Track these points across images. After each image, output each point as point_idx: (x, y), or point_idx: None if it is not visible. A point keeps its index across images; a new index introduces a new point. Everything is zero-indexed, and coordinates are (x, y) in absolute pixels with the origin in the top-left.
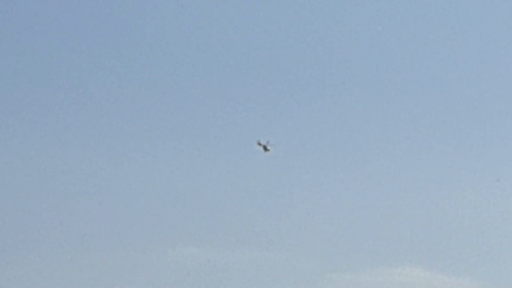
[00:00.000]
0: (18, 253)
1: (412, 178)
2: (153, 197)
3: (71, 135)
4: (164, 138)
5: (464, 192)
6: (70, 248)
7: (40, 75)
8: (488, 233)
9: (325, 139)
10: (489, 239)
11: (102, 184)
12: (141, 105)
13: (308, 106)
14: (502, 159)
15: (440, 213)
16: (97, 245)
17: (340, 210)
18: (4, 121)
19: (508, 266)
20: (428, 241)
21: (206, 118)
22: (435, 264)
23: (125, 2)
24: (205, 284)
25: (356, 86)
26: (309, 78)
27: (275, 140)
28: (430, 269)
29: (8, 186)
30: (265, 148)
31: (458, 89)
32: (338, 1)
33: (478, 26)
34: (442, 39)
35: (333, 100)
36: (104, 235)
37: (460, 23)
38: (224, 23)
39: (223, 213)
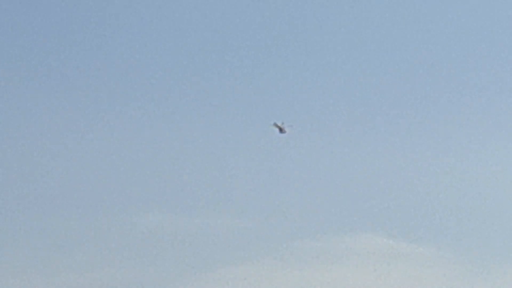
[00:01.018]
0: None
1: (374, 146)
2: (120, 163)
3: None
4: (131, 103)
5: (425, 160)
6: (36, 214)
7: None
8: (449, 202)
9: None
10: (450, 208)
11: (70, 149)
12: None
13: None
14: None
15: (402, 181)
16: (64, 211)
17: (304, 179)
18: None
19: (468, 235)
20: (391, 209)
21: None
22: (397, 232)
23: None
24: (172, 250)
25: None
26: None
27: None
28: (392, 237)
29: None
30: (281, 130)
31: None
32: None
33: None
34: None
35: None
36: (71, 202)
37: None
38: None
39: (190, 180)
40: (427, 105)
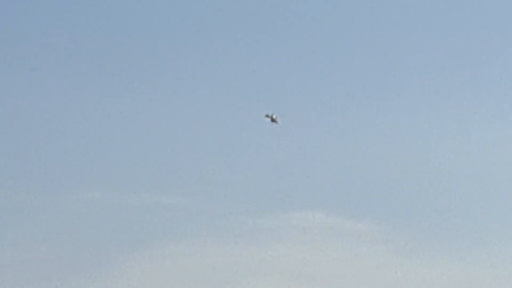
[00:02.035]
0: None
1: (313, 124)
2: (60, 139)
3: None
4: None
5: (364, 135)
6: None
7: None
8: (388, 177)
9: None
10: (390, 184)
11: (5, 125)
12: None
13: None
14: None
15: (340, 156)
16: (1, 188)
17: (245, 156)
18: None
19: (408, 211)
20: (330, 186)
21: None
22: (335, 209)
23: None
24: (112, 227)
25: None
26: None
27: None
28: (330, 213)
29: None
30: (273, 119)
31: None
32: None
33: None
34: None
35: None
36: (7, 179)
37: None
38: None
39: (127, 156)
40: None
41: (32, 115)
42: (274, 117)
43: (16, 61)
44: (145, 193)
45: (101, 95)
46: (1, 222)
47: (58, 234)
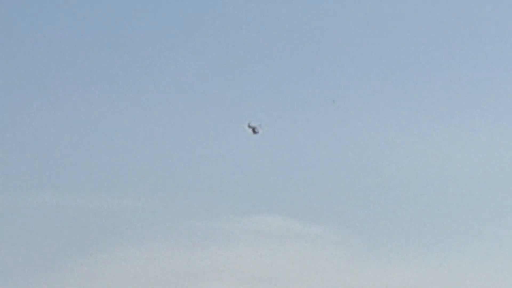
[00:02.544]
0: None
1: (270, 128)
2: (13, 141)
3: None
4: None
5: (317, 139)
6: None
7: None
8: (344, 181)
9: None
10: (345, 187)
11: None
12: None
13: None
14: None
15: (296, 160)
16: None
17: (201, 158)
18: None
19: (364, 215)
20: (285, 190)
21: None
22: (290, 212)
23: None
24: (65, 231)
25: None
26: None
27: None
28: (286, 217)
29: None
30: (254, 131)
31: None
32: None
33: None
34: None
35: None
36: None
37: None
38: None
39: (79, 158)
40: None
41: None
42: (255, 127)
43: None
44: (98, 196)
45: (52, 96)
46: None
47: (9, 238)
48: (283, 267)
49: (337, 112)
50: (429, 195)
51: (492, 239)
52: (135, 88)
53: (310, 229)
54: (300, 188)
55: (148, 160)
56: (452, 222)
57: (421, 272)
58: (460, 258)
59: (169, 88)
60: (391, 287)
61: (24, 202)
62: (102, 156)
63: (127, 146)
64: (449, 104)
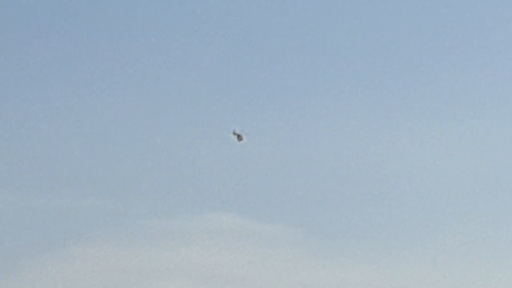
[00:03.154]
0: None
1: (221, 124)
2: None
3: None
4: None
5: (274, 137)
6: None
7: None
8: (300, 179)
9: None
10: (302, 186)
11: None
12: None
13: None
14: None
15: (252, 157)
16: None
17: (155, 156)
18: None
19: (321, 214)
20: (240, 187)
21: None
22: (247, 211)
23: None
24: (18, 229)
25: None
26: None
27: None
28: (242, 215)
29: None
30: (239, 137)
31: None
32: None
33: None
34: None
35: None
36: None
37: None
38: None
39: (35, 156)
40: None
41: None
42: (239, 135)
43: None
44: (53, 195)
45: (14, 95)
46: None
47: None
48: (239, 266)
49: (297, 111)
50: (385, 195)
51: (447, 239)
52: (92, 86)
53: (266, 228)
54: (257, 186)
55: (102, 159)
56: (408, 221)
57: (378, 271)
58: (415, 257)
59: (128, 86)
60: (348, 286)
61: None
62: (55, 155)
63: (81, 145)
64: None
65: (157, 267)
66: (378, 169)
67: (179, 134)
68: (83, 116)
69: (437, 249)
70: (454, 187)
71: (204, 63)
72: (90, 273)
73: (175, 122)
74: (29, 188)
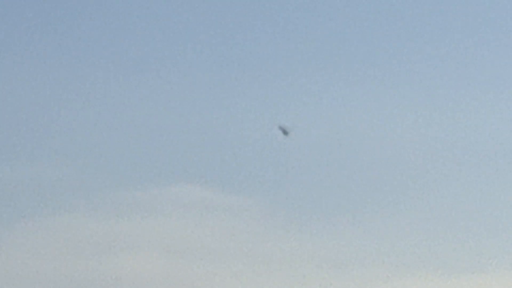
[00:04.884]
0: None
1: (191, 96)
2: None
3: None
4: None
5: (239, 110)
6: None
7: None
8: (264, 151)
9: None
10: (265, 157)
11: None
12: None
13: None
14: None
15: (216, 129)
16: None
17: (122, 128)
18: None
19: (284, 185)
20: (205, 159)
21: None
22: (211, 182)
23: None
24: None
25: None
26: None
27: None
28: (206, 187)
29: None
30: (285, 132)
31: None
32: None
33: None
34: None
35: None
36: None
37: None
38: None
39: (3, 126)
40: None
41: None
42: (285, 129)
43: None
44: (22, 166)
45: None
46: None
47: None
48: (203, 238)
49: (264, 87)
50: (349, 167)
51: (412, 212)
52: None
53: (232, 200)
54: (221, 158)
55: (70, 130)
56: (373, 194)
57: (343, 243)
58: (379, 230)
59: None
60: (313, 259)
61: None
62: (25, 125)
63: (50, 116)
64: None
65: (124, 238)
66: (342, 140)
67: (146, 107)
68: (52, 84)
69: (401, 222)
70: (418, 158)
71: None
72: (58, 244)
73: (142, 94)
74: None
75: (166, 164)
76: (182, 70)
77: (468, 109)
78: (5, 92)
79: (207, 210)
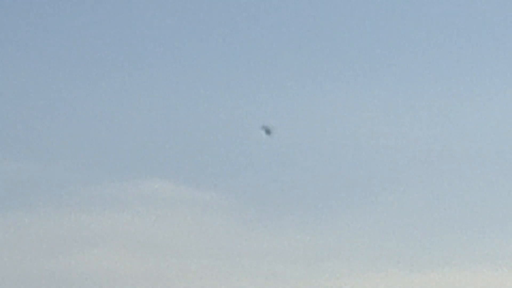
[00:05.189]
0: None
1: (163, 89)
2: None
3: None
4: None
5: (206, 104)
6: None
7: None
8: (235, 147)
9: None
10: (236, 153)
11: None
12: None
13: None
14: None
15: (187, 124)
16: None
17: (86, 123)
18: None
19: (255, 182)
20: (174, 153)
21: None
22: (180, 178)
23: None
24: None
25: None
26: None
27: None
28: (176, 182)
29: None
30: (267, 131)
31: None
32: None
33: None
34: None
35: None
36: None
37: None
38: None
39: None
40: None
41: None
42: (268, 129)
43: None
44: None
45: None
46: None
47: None
48: (174, 233)
49: (228, 72)
50: (319, 162)
51: (382, 206)
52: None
53: (199, 195)
54: (191, 153)
55: (35, 125)
56: (343, 188)
57: (314, 238)
58: (348, 224)
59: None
60: (283, 254)
61: None
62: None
63: (12, 110)
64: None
65: (90, 234)
66: (312, 134)
67: (112, 100)
68: (11, 79)
69: (373, 217)
70: (390, 153)
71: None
72: (21, 240)
73: (110, 88)
74: None
75: (134, 159)
76: (152, 64)
77: (442, 106)
78: None
79: (175, 205)
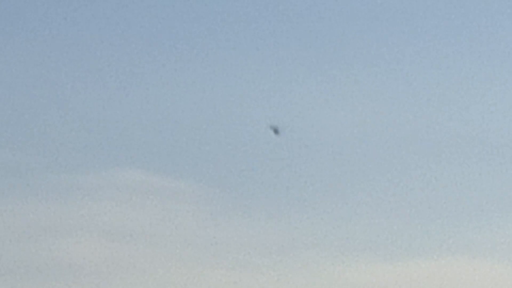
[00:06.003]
0: None
1: (137, 81)
2: None
3: None
4: None
5: (179, 92)
6: None
7: None
8: (208, 136)
9: None
10: (210, 142)
11: None
12: None
13: None
14: None
15: (160, 113)
16: None
17: (57, 108)
18: None
19: (229, 171)
20: (144, 142)
21: None
22: (153, 167)
23: None
24: None
25: None
26: None
27: None
28: (148, 170)
29: None
30: (276, 131)
31: None
32: None
33: None
34: None
35: None
36: None
37: None
38: None
39: None
40: None
41: None
42: (276, 129)
43: None
44: None
45: None
46: None
47: None
48: (143, 222)
49: (211, 63)
50: (294, 150)
51: (358, 194)
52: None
53: (172, 184)
54: (161, 141)
55: (8, 113)
56: (318, 177)
57: (288, 227)
58: (322, 214)
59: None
60: (256, 243)
61: None
62: None
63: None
64: None
65: (63, 223)
66: (287, 122)
67: (86, 88)
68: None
69: (347, 206)
70: (371, 144)
71: None
72: None
73: (82, 77)
74: None
75: (107, 148)
76: (118, 55)
77: (426, 103)
78: None
79: (148, 194)
